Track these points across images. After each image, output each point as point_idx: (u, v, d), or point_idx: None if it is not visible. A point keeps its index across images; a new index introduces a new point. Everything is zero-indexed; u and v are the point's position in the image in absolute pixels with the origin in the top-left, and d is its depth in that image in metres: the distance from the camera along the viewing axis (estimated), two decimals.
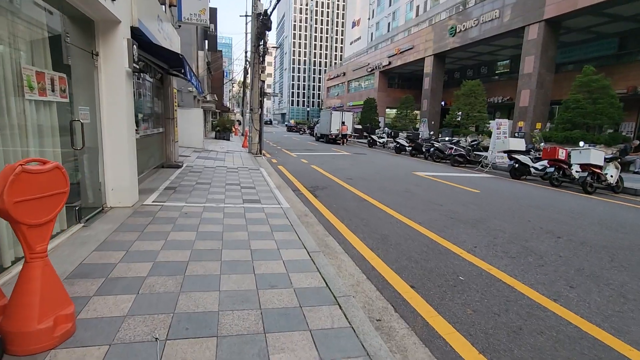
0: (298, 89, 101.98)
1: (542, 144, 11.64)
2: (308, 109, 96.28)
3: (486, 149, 15.15)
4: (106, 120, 4.96)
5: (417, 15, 37.42)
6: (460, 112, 21.21)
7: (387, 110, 40.24)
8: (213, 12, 26.09)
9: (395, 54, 34.67)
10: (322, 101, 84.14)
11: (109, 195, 5.14)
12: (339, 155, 17.32)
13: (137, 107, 7.10)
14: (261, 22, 14.37)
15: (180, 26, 9.68)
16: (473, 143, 14.73)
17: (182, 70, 5.78)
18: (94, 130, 4.84)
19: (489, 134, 19.43)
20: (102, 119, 4.92)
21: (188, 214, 5.11)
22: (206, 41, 25.58)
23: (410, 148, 18.18)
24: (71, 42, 4.16)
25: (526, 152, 11.60)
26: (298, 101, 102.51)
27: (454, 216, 6.41)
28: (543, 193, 9.41)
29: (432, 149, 15.96)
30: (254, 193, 6.99)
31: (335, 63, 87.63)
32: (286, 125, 69.91)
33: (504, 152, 11.83)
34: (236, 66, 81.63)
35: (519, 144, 11.49)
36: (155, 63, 7.56)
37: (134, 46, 5.06)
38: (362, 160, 15.48)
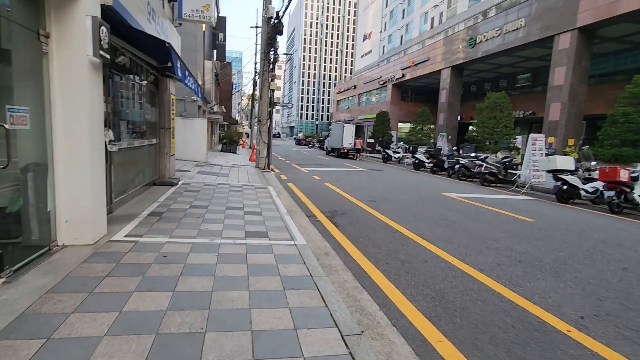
0: (307, 102, 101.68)
1: (593, 162, 10.07)
2: (317, 122, 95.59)
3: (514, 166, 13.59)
4: (60, 127, 3.62)
5: (431, 27, 36.43)
6: (478, 127, 19.73)
7: (400, 124, 38.95)
8: (222, 20, 25.33)
9: (409, 67, 33.55)
10: (331, 114, 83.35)
11: (62, 229, 3.76)
12: (353, 171, 15.90)
13: (120, 113, 5.81)
14: (272, 26, 13.24)
15: (180, 24, 8.49)
16: (505, 160, 13.22)
17: (170, 64, 4.44)
18: (42, 141, 3.50)
19: (514, 150, 17.89)
20: (54, 126, 3.59)
21: (168, 257, 3.69)
22: (215, 51, 24.71)
23: (431, 164, 16.69)
24: (5, 14, 2.86)
25: (573, 172, 10.05)
26: (307, 114, 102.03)
27: (522, 259, 4.90)
28: (610, 223, 7.82)
29: (457, 166, 14.45)
30: (260, 221, 5.57)
31: (345, 77, 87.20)
32: (295, 138, 69.03)
33: (549, 171, 10.29)
34: (245, 79, 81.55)
35: (568, 162, 9.96)
36: (144, 60, 6.29)
37: (103, 29, 3.76)
38: (380, 178, 14.02)
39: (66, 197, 3.73)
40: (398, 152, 22.82)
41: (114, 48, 5.01)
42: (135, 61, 6.17)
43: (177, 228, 4.79)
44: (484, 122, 19.44)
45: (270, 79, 14.41)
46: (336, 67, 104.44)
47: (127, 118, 6.13)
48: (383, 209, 7.73)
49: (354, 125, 24.44)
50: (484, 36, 23.34)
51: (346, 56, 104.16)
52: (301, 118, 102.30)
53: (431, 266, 4.43)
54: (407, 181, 13.30)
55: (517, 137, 19.25)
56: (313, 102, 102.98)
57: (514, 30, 21.26)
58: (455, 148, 17.49)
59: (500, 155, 13.55)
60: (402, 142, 24.19)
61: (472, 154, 15.51)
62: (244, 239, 4.55)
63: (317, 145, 43.34)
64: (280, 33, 12.59)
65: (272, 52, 14.16)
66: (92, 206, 3.86)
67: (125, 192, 6.02)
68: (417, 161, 18.23)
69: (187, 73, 5.99)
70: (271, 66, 14.38)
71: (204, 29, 17.92)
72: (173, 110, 8.76)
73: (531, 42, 20.23)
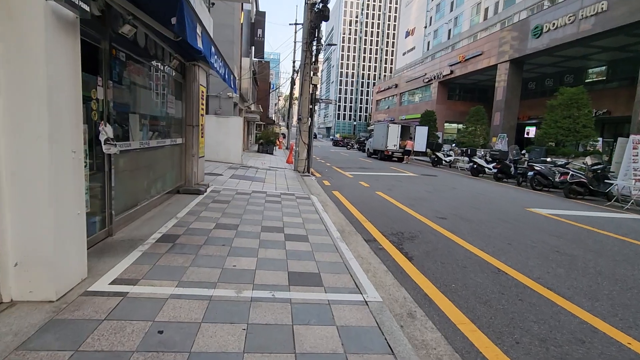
0: (345, 102, 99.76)
1: None
2: (354, 123, 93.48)
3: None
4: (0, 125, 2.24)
5: (485, 18, 33.43)
6: (549, 127, 17.03)
7: (446, 124, 36.23)
8: (261, 15, 24.30)
9: (459, 62, 30.87)
10: (369, 115, 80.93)
11: (9, 276, 2.38)
12: (404, 177, 14.02)
13: (129, 105, 4.48)
14: (316, 13, 11.72)
15: (213, 4, 7.15)
16: (596, 168, 10.79)
17: (174, 21, 2.94)
18: None
19: (595, 154, 15.12)
20: None
21: (164, 334, 2.20)
22: (252, 48, 23.72)
23: (494, 170, 14.41)
24: None
25: None
26: (344, 115, 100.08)
27: None
28: None
29: (530, 173, 12.15)
30: (307, 252, 3.99)
31: (384, 76, 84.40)
32: (332, 139, 67.60)
33: None
34: (282, 79, 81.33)
35: None
36: (163, 38, 4.94)
37: None
38: (439, 186, 12.06)
39: (13, 229, 2.35)
40: (450, 155, 20.55)
41: (117, 14, 3.65)
42: (153, 39, 4.83)
43: (191, 265, 3.31)
44: (557, 122, 16.75)
45: (312, 73, 12.91)
46: (375, 66, 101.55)
47: (140, 111, 4.80)
48: (462, 232, 5.90)
49: (400, 126, 22.42)
50: (553, 24, 20.44)
51: (386, 54, 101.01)
52: (338, 119, 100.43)
53: (606, 357, 2.62)
54: (472, 191, 11.23)
55: (598, 139, 16.46)
56: (351, 103, 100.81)
57: (592, 15, 18.32)
58: (523, 152, 15.09)
59: (589, 161, 11.11)
60: (454, 144, 21.87)
61: (547, 160, 13.08)
62: (288, 290, 2.98)
63: (355, 147, 41.56)
64: (326, 19, 11.04)
65: (314, 42, 12.65)
66: (55, 241, 2.45)
67: (135, 205, 4.68)
68: (475, 166, 15.98)
69: (212, 49, 4.55)
70: (313, 58, 12.88)
71: (241, 21, 16.81)
72: (203, 104, 7.44)
73: (615, 29, 17.25)
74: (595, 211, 8.90)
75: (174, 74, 6.25)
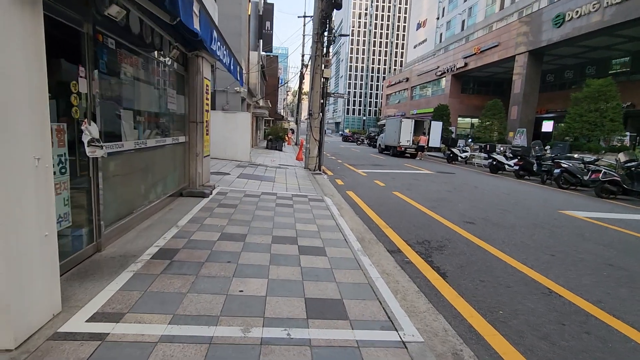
0: (354, 97, 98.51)
1: None
2: (364, 117, 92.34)
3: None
4: None
5: (501, 8, 32.21)
6: (573, 121, 16.10)
7: (459, 119, 35.22)
8: (269, 7, 23.65)
9: (474, 54, 29.80)
10: (379, 110, 79.71)
11: None
12: (421, 175, 13.34)
13: (122, 99, 3.95)
14: (328, 0, 11.05)
15: None
16: (630, 165, 9.97)
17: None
18: None
19: (627, 151, 14.21)
20: None
21: None
22: (261, 41, 23.11)
23: (515, 167, 13.62)
24: None
25: None
26: (354, 110, 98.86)
27: None
28: None
29: (557, 171, 11.37)
30: (325, 270, 3.42)
31: (394, 69, 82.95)
32: (341, 134, 66.81)
33: None
34: (291, 74, 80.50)
35: None
36: (161, 25, 4.39)
37: None
38: (459, 184, 11.37)
39: None
40: (465, 151, 19.74)
41: None
42: (149, 25, 4.27)
43: (189, 291, 2.77)
44: (583, 116, 15.81)
45: (323, 65, 12.28)
46: (385, 60, 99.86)
47: (135, 107, 4.26)
48: (496, 240, 5.27)
49: (413, 120, 21.63)
50: (576, 12, 19.37)
51: (396, 48, 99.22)
52: (347, 113, 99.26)
53: None
54: (495, 190, 10.52)
55: (626, 134, 15.53)
56: (360, 97, 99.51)
57: (617, 2, 17.25)
58: (547, 148, 14.25)
59: (622, 157, 10.30)
60: (470, 140, 21.02)
61: (575, 156, 12.27)
62: (306, 326, 2.42)
63: (366, 142, 40.79)
64: (339, 6, 10.37)
65: (326, 33, 12.00)
66: (10, 275, 1.92)
67: (130, 213, 4.17)
68: (494, 163, 15.20)
69: (214, 34, 3.97)
70: (325, 50, 12.24)
71: (249, 12, 16.19)
72: (208, 99, 6.89)
73: None
74: (636, 213, 8.15)
75: (175, 65, 5.70)
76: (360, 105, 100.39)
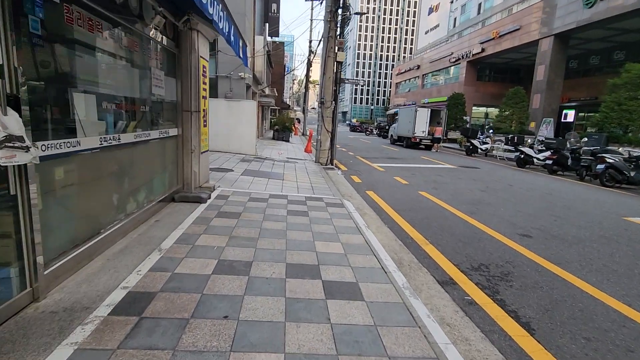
0: (362, 85, 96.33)
1: None
2: (372, 107, 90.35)
3: None
4: None
5: None
6: (610, 110, 14.67)
7: (474, 108, 33.64)
8: None
9: (492, 39, 28.12)
10: (387, 99, 77.75)
11: None
12: (443, 170, 12.12)
13: (75, 79, 2.83)
14: None
15: None
16: None
17: None
18: None
19: None
20: None
21: None
22: (267, 25, 21.74)
23: (549, 162, 12.32)
24: None
25: None
26: (361, 99, 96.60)
27: None
28: None
29: (600, 167, 10.09)
30: (368, 333, 2.31)
31: (404, 57, 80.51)
32: (349, 124, 65.30)
33: None
34: (297, 62, 78.59)
35: None
36: None
37: None
38: (490, 181, 10.16)
39: None
40: (486, 143, 18.41)
41: None
42: None
43: None
44: (621, 104, 14.39)
45: (337, 48, 11.01)
46: (394, 47, 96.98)
47: (99, 90, 3.14)
48: (571, 263, 4.13)
49: (429, 110, 20.24)
50: None
51: (406, 34, 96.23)
52: (355, 103, 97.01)
53: None
54: (534, 189, 9.31)
55: None
56: (368, 86, 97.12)
57: None
58: (584, 139, 12.91)
59: None
60: (491, 131, 19.66)
61: (619, 150, 10.96)
62: None
63: (375, 132, 39.40)
64: None
65: (340, 11, 10.70)
66: None
67: (95, 234, 3.09)
68: (522, 156, 13.91)
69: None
70: (338, 30, 10.95)
71: None
72: (205, 84, 5.74)
73: None
74: None
75: (163, 40, 4.55)
76: (368, 94, 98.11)
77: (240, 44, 5.32)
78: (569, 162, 12.04)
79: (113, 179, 3.48)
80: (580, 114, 28.86)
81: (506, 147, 16.98)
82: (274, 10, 21.19)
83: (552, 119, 19.64)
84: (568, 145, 12.09)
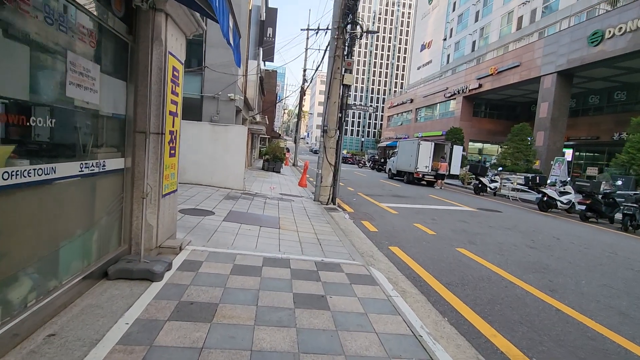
0: (352, 117, 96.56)
1: None
2: (362, 139, 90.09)
3: None
4: None
5: (518, 28, 30.37)
6: (633, 150, 13.50)
7: (470, 143, 32.84)
8: (272, 12, 21.22)
9: (490, 75, 27.69)
10: (379, 131, 77.61)
11: None
12: (464, 214, 10.41)
13: None
14: None
15: None
16: None
17: None
18: None
19: None
20: None
21: None
22: (261, 49, 20.52)
23: (582, 207, 10.77)
24: None
25: None
26: (352, 130, 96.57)
27: None
28: None
29: None
30: None
31: (394, 91, 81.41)
32: None
33: None
34: (290, 91, 78.42)
35: None
36: None
37: None
38: (531, 234, 8.46)
39: None
40: (495, 181, 16.98)
41: None
42: None
43: None
44: None
45: (344, 69, 9.50)
46: (385, 81, 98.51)
47: None
48: None
49: (433, 144, 18.91)
50: (620, 29, 17.21)
51: (397, 69, 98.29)
52: (345, 134, 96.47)
53: None
54: (588, 245, 7.61)
55: None
56: (359, 118, 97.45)
57: None
58: (618, 182, 11.52)
59: None
60: (500, 168, 18.40)
61: None
62: None
63: (368, 165, 38.10)
64: None
65: (349, 26, 9.27)
66: None
67: None
68: (545, 198, 12.40)
69: None
70: (347, 48, 9.49)
71: (250, 6, 13.54)
72: (176, 93, 3.95)
73: None
74: None
75: (106, 19, 2.77)
76: (359, 126, 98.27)
77: (231, 36, 3.57)
78: (603, 208, 10.54)
79: None
80: (577, 154, 28.23)
81: (519, 186, 15.55)
82: (270, 34, 20.05)
83: (564, 158, 18.52)
84: (603, 189, 10.64)
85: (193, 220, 5.56)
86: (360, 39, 9.57)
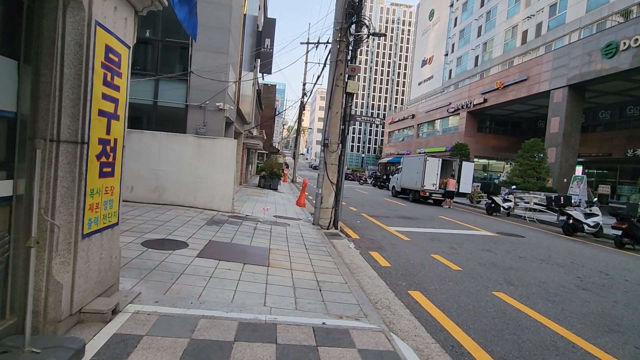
0: (352, 133, 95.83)
1: None
2: (363, 155, 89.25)
3: None
4: None
5: (523, 42, 29.69)
6: None
7: (475, 160, 31.70)
8: (270, 23, 20.42)
9: (496, 89, 26.81)
10: (379, 147, 76.78)
11: None
12: (485, 240, 9.12)
13: None
14: None
15: None
16: None
17: None
18: None
19: None
20: None
21: None
22: (258, 61, 19.62)
23: (618, 232, 9.50)
24: None
25: None
26: (352, 146, 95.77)
27: None
28: None
29: None
30: None
31: (395, 107, 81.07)
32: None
33: None
34: (289, 107, 77.90)
35: None
36: None
37: None
38: (572, 267, 7.18)
39: None
40: (508, 201, 15.73)
41: None
42: None
43: None
44: None
45: (347, 76, 8.41)
46: (386, 97, 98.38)
47: None
48: None
49: (440, 160, 17.74)
50: (635, 40, 16.32)
51: (397, 85, 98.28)
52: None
53: None
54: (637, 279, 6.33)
55: None
56: (359, 134, 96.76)
57: None
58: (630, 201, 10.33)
59: None
60: (514, 187, 17.21)
61: None
62: None
63: (369, 182, 36.89)
64: None
65: (353, 27, 8.23)
66: None
67: None
68: (570, 221, 11.13)
69: None
70: (350, 52, 8.42)
71: (244, 11, 12.56)
72: (111, 85, 2.76)
73: None
74: None
75: None
76: (359, 142, 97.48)
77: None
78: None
79: None
80: (587, 170, 27.08)
81: (535, 206, 14.29)
82: (267, 45, 19.17)
83: (584, 176, 17.32)
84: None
85: (156, 258, 4.29)
86: (368, 39, 8.48)
